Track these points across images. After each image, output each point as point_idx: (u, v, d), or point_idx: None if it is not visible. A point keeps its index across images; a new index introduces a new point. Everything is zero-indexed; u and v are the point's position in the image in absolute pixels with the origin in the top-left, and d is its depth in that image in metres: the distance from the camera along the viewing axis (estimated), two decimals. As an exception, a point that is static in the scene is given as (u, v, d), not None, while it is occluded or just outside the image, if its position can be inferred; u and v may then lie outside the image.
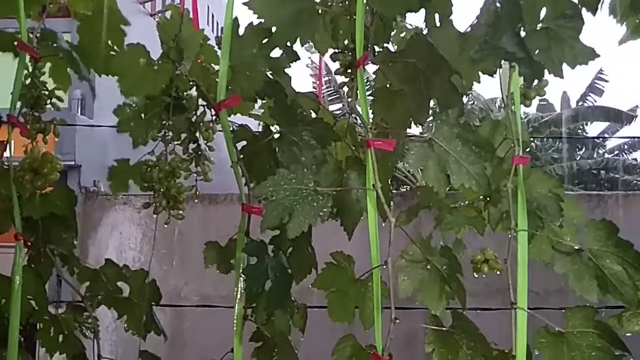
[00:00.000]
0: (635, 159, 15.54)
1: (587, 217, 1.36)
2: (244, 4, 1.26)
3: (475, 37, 1.27)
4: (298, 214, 1.15)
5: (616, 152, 15.82)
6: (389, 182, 1.35)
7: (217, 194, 5.19)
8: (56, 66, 1.55)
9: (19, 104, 1.44)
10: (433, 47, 1.19)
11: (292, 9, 1.25)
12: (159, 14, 9.15)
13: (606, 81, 15.10)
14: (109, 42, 1.53)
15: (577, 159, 15.34)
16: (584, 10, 1.24)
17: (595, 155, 15.87)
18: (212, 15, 13.03)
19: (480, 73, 1.36)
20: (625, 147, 15.70)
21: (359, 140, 1.38)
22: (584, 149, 16.20)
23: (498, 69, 1.35)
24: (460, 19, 1.37)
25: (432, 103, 1.30)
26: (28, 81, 1.49)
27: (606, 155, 15.81)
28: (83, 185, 5.98)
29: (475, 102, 13.16)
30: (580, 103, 15.30)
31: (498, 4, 1.23)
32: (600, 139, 15.89)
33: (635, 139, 15.09)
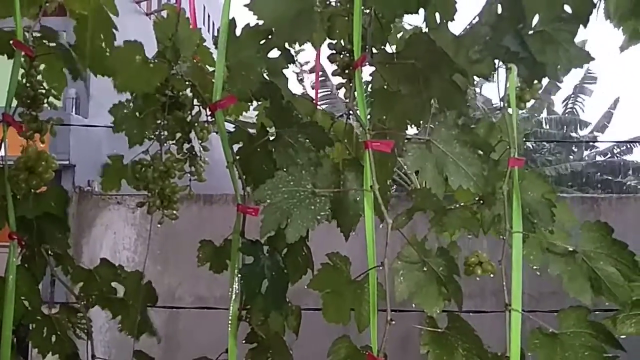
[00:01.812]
0: (630, 161, 15.62)
1: (580, 220, 1.37)
2: (245, 5, 1.26)
3: (471, 38, 1.28)
4: (296, 217, 1.15)
5: (608, 155, 15.90)
6: (388, 184, 1.34)
7: (211, 194, 5.17)
8: (51, 66, 1.55)
9: (14, 102, 1.44)
10: (434, 45, 1.18)
11: (292, 10, 1.25)
12: (155, 13, 9.13)
13: (595, 81, 15.13)
14: (104, 41, 1.53)
15: (571, 160, 15.38)
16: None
17: (586, 157, 15.93)
18: (208, 16, 13.02)
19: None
20: (616, 149, 15.77)
21: (357, 141, 1.38)
22: (577, 150, 16.25)
23: (493, 72, 1.35)
24: (459, 19, 1.37)
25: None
26: (24, 80, 1.48)
27: (597, 158, 15.88)
28: (77, 184, 5.96)
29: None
30: (569, 105, 15.34)
31: (499, 4, 1.23)
32: (592, 142, 15.95)
33: (629, 142, 15.17)
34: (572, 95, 15.13)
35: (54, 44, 1.52)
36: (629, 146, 15.28)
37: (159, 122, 1.52)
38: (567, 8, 1.21)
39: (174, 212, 1.56)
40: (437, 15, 1.35)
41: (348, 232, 1.27)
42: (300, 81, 10.80)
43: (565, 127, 14.83)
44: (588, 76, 14.91)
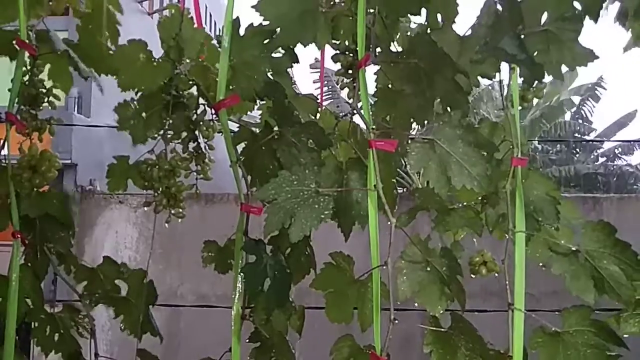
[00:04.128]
0: (630, 164, 15.57)
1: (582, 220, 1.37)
2: (253, 6, 1.26)
3: (475, 39, 1.27)
4: (300, 217, 1.15)
5: (611, 156, 15.84)
6: (393, 182, 1.34)
7: (213, 193, 5.17)
8: (56, 66, 1.54)
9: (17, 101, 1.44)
10: (436, 46, 1.18)
11: (296, 10, 1.25)
12: (157, 13, 9.13)
13: (604, 89, 15.01)
14: (108, 40, 1.53)
15: (575, 162, 15.33)
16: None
17: (590, 158, 15.87)
18: (210, 15, 13.01)
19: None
20: (619, 151, 15.71)
21: (361, 141, 1.38)
22: (581, 152, 16.19)
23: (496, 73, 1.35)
24: (459, 20, 1.37)
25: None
26: (26, 79, 1.48)
27: (600, 159, 15.81)
28: (79, 184, 5.96)
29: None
30: (579, 108, 15.26)
31: (499, 6, 1.23)
32: (597, 142, 15.88)
33: (630, 142, 15.11)
34: (582, 99, 15.02)
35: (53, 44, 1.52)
36: (629, 146, 15.22)
37: (164, 121, 1.52)
38: (577, 4, 1.21)
39: (181, 210, 1.56)
40: (439, 16, 1.35)
41: (348, 232, 1.27)
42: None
43: (573, 131, 14.75)
44: (600, 83, 14.73)
